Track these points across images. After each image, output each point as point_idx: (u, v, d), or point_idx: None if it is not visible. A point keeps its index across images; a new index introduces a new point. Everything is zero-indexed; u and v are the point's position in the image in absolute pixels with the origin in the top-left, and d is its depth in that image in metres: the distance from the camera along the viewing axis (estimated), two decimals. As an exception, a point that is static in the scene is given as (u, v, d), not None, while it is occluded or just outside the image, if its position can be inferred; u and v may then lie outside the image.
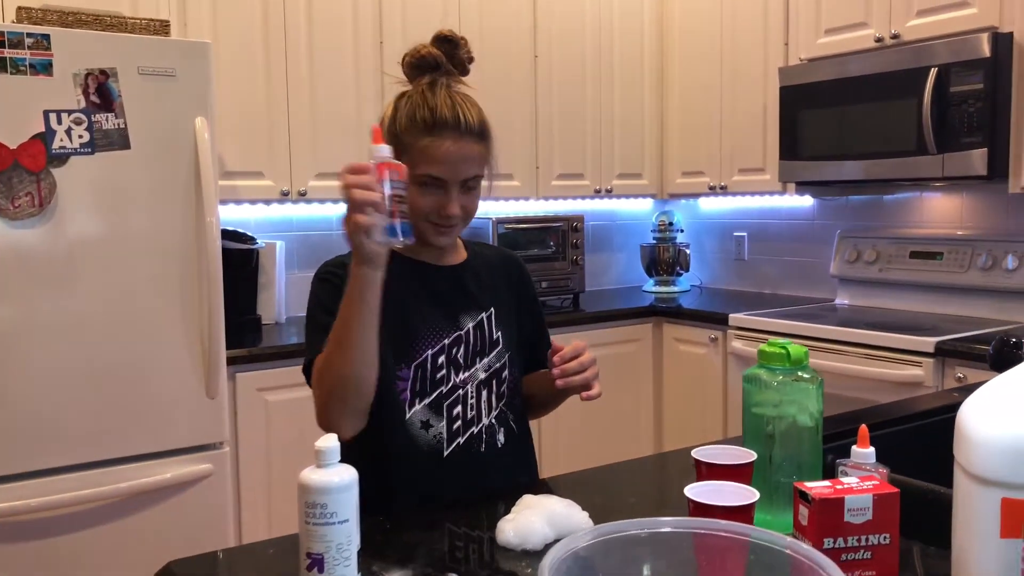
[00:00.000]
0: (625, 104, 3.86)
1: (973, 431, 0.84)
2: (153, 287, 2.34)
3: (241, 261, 3.02)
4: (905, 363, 2.66)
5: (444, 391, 1.44)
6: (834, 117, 3.11)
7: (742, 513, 0.98)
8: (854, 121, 3.05)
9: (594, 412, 3.46)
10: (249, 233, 3.10)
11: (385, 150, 1.22)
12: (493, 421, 1.48)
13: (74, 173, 2.21)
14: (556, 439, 3.29)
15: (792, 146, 3.27)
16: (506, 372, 1.51)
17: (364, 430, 1.37)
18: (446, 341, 1.45)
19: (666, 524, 0.82)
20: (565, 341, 1.44)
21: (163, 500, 2.38)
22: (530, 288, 1.65)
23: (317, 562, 0.97)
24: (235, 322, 2.97)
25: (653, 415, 3.63)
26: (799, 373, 1.15)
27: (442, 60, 1.40)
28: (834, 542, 0.94)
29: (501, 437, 1.49)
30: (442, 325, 1.46)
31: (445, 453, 1.43)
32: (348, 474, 1.00)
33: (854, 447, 1.10)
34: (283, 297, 3.20)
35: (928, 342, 2.61)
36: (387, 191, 1.18)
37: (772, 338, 1.31)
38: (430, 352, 1.44)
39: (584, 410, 3.52)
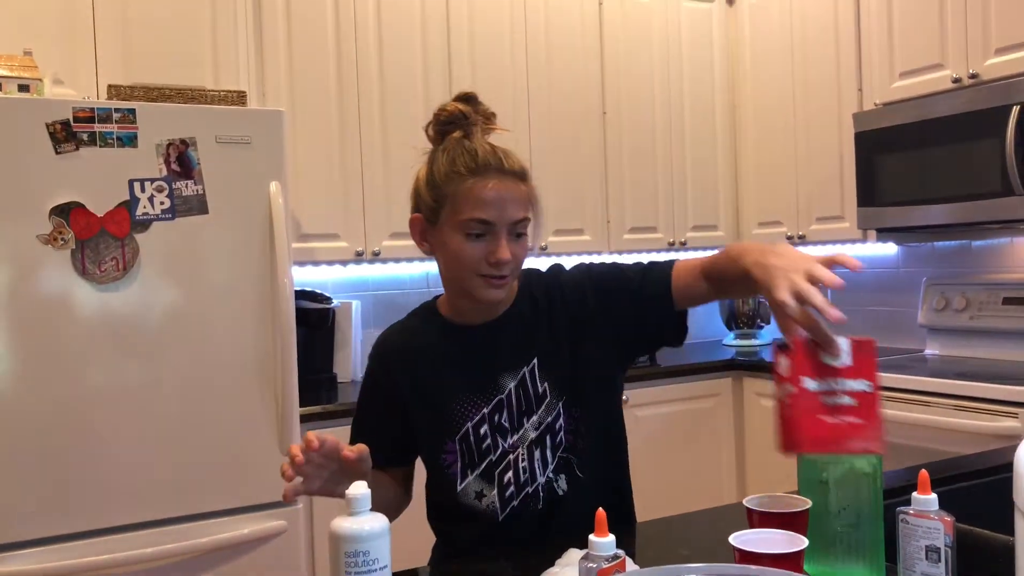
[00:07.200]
0: (697, 155, 3.84)
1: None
2: (229, 346, 2.41)
3: (318, 320, 3.10)
4: (1000, 414, 2.51)
5: (493, 459, 1.41)
6: (914, 161, 3.02)
7: (789, 561, 0.93)
8: (935, 164, 2.95)
9: (673, 467, 3.37)
10: (326, 293, 3.18)
11: None
12: (551, 475, 1.42)
13: (156, 238, 2.31)
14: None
15: (871, 192, 3.18)
16: (560, 421, 1.43)
17: (429, 498, 1.49)
18: (486, 410, 1.41)
19: (692, 571, 0.78)
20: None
21: (240, 555, 2.41)
22: (581, 286, 1.45)
23: None
24: (312, 379, 3.03)
25: (736, 472, 3.51)
26: (855, 416, 1.10)
27: (470, 113, 1.40)
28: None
29: (563, 485, 1.43)
30: (480, 392, 1.42)
31: (500, 518, 1.41)
32: (381, 522, 0.99)
33: (914, 494, 1.04)
34: (359, 355, 3.25)
35: (1024, 391, 2.47)
36: None
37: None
38: (470, 424, 1.41)
39: (662, 465, 3.45)
